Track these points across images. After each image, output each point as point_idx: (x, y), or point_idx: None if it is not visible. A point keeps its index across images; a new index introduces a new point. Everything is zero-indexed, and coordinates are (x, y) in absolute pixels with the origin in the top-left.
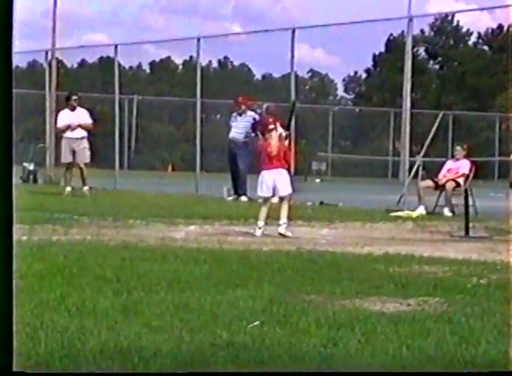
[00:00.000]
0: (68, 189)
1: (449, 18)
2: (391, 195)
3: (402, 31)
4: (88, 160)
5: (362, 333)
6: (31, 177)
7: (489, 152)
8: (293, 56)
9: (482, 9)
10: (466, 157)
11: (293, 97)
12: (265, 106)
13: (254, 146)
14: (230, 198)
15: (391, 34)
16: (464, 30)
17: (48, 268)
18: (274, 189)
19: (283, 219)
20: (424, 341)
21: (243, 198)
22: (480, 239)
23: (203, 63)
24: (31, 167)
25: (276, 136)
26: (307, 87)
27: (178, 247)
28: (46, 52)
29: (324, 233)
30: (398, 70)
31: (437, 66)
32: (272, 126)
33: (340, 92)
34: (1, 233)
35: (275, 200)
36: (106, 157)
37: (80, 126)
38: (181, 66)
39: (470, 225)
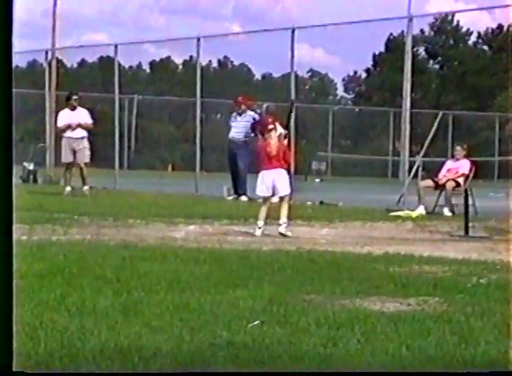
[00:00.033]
0: (68, 188)
1: (449, 18)
2: (390, 195)
3: (402, 31)
4: (88, 159)
5: (361, 333)
6: (31, 177)
7: (489, 152)
8: (293, 56)
9: (482, 9)
10: (466, 156)
11: (293, 97)
12: (264, 105)
13: (254, 146)
14: (230, 198)
15: (391, 34)
16: (464, 29)
17: (48, 268)
18: (273, 189)
19: (283, 219)
20: (424, 340)
21: (243, 198)
22: (480, 239)
23: (203, 63)
24: (31, 166)
25: (276, 136)
26: (307, 87)
27: (178, 246)
28: (46, 52)
29: (324, 232)
30: (397, 69)
31: (437, 66)
32: (271, 126)
33: (340, 91)
34: (1, 233)
35: (274, 199)
36: (106, 157)
37: (80, 126)
38: (181, 66)
39: (470, 224)
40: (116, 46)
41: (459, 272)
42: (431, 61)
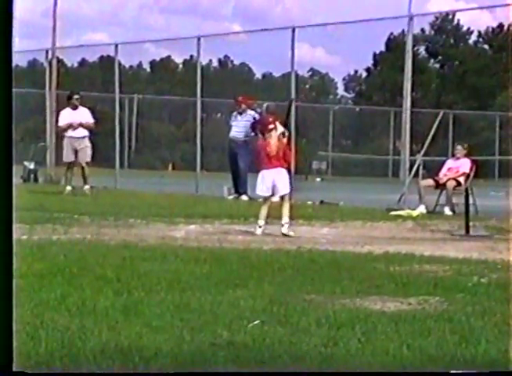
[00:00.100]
0: (68, 188)
1: (450, 17)
2: (391, 194)
3: (403, 30)
4: (89, 159)
5: (362, 332)
6: (32, 176)
7: (490, 151)
8: (293, 55)
9: (482, 8)
10: (467, 156)
11: (293, 96)
12: (265, 105)
13: (254, 145)
14: (230, 197)
15: (392, 33)
16: (464, 29)
17: (49, 267)
18: (273, 189)
19: (285, 219)
20: (425, 340)
21: (244, 197)
22: (480, 238)
23: (204, 63)
24: (32, 166)
25: (276, 136)
26: (307, 86)
27: (178, 246)
28: (46, 52)
29: (324, 232)
30: (398, 69)
31: (437, 65)
32: (271, 126)
33: (341, 91)
34: (1, 233)
35: (275, 199)
36: (106, 157)
37: (81, 125)
38: (181, 66)
39: (471, 224)
40: (116, 46)
41: (460, 272)
42: (432, 60)
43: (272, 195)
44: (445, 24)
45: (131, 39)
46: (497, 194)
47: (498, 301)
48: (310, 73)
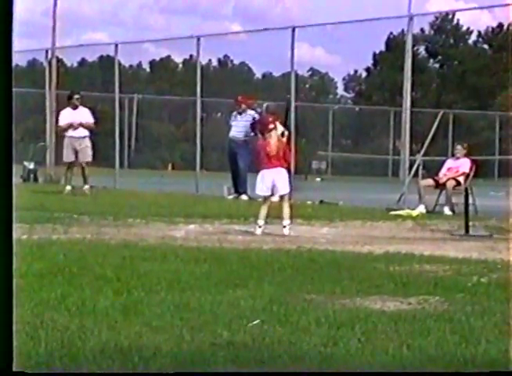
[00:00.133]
0: (68, 188)
1: (449, 17)
2: (391, 194)
3: (402, 30)
4: (90, 158)
5: (362, 332)
6: (32, 176)
7: (489, 151)
8: (293, 55)
9: (482, 8)
10: (467, 155)
11: (289, 95)
12: (265, 105)
13: (254, 145)
14: (230, 197)
15: (391, 33)
16: (464, 28)
17: (49, 267)
18: (273, 188)
19: (287, 221)
20: (425, 340)
21: (244, 197)
22: (480, 238)
23: (204, 62)
24: (31, 166)
25: (276, 136)
26: (307, 86)
27: (178, 246)
28: (46, 51)
29: (324, 231)
30: (398, 68)
31: (437, 65)
32: (272, 126)
33: (341, 90)
34: (1, 233)
35: (275, 198)
36: (106, 156)
37: (82, 125)
38: (181, 65)
39: (471, 223)
40: (116, 45)
41: (460, 272)
42: (432, 60)
43: (272, 195)
44: (444, 24)
45: (131, 39)
46: (497, 194)
47: (498, 301)
48: (310, 72)
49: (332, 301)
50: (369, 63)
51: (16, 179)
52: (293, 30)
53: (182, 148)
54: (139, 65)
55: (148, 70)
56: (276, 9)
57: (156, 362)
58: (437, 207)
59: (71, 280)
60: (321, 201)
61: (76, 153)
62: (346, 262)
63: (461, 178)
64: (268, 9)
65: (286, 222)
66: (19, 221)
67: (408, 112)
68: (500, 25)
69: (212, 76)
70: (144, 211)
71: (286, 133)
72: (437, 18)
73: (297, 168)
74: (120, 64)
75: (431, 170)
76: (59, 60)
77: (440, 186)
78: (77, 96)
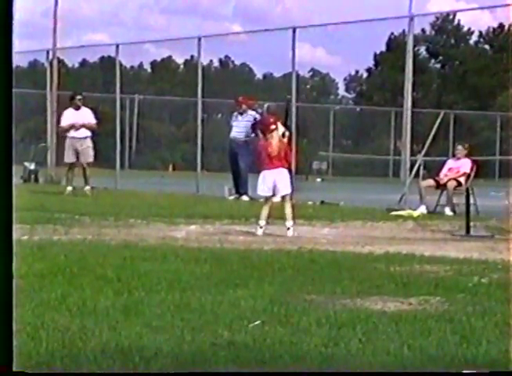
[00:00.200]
0: (69, 188)
1: (450, 17)
2: (391, 194)
3: (403, 30)
4: (91, 159)
5: (363, 332)
6: (32, 177)
7: (490, 151)
8: (294, 56)
9: (483, 8)
10: (468, 156)
11: (294, 97)
12: (265, 105)
13: (255, 146)
14: (231, 197)
15: (392, 34)
16: (465, 29)
17: (49, 267)
18: (274, 189)
19: (290, 222)
20: (425, 340)
21: (244, 197)
22: (481, 238)
23: (205, 63)
24: (32, 166)
25: (277, 136)
26: (308, 86)
27: (178, 246)
28: (47, 52)
29: (325, 232)
30: (399, 69)
31: (438, 66)
32: (273, 126)
33: (341, 91)
34: (2, 233)
35: (276, 199)
36: (107, 157)
37: (84, 126)
38: (182, 66)
39: (471, 224)
40: (117, 46)
41: (461, 272)
42: (432, 60)
43: (273, 195)
44: (445, 24)
45: (132, 39)
46: (497, 194)
47: (498, 302)
48: (311, 73)
49: (333, 302)
50: (370, 63)
51: (16, 180)
52: (294, 31)
53: (183, 148)
54: (140, 66)
55: (149, 70)
56: (277, 9)
57: (157, 362)
58: (438, 207)
59: (72, 281)
60: (322, 202)
61: (77, 153)
62: (347, 263)
63: (462, 179)
64: (269, 9)
65: (289, 223)
66: (20, 221)
67: (409, 112)
68: (501, 25)
69: (213, 76)
70: (145, 211)
71: (287, 134)
72: (438, 18)
73: (298, 168)
74: (121, 65)
75: (432, 170)
76: (60, 61)
77: (441, 186)
78: (79, 97)
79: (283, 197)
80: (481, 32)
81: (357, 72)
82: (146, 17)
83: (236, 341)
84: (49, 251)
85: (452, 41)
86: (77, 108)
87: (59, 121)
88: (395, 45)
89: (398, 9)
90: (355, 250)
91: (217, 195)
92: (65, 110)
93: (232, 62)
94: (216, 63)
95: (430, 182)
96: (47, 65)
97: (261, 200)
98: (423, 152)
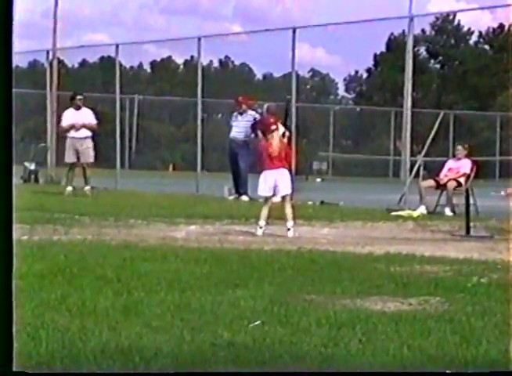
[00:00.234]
0: (69, 188)
1: (450, 17)
2: (391, 194)
3: (403, 31)
4: (91, 159)
5: (363, 332)
6: (32, 177)
7: (490, 151)
8: (293, 56)
9: (483, 9)
10: (468, 156)
11: (289, 96)
12: (265, 106)
13: (255, 146)
14: (231, 198)
15: (392, 34)
16: (465, 29)
17: (49, 268)
18: (275, 189)
19: (290, 222)
20: (425, 340)
21: (244, 198)
22: (481, 238)
23: (204, 63)
24: (32, 166)
25: (278, 136)
26: (308, 86)
27: (178, 246)
28: (47, 52)
29: (325, 232)
30: (398, 69)
31: (438, 66)
32: (273, 127)
33: (341, 91)
34: (2, 233)
35: (276, 199)
36: (107, 157)
37: (84, 126)
38: (182, 66)
39: (471, 224)
40: (117, 46)
41: (461, 272)
42: (432, 61)
43: (274, 195)
44: (445, 25)
45: (132, 40)
46: (497, 195)
47: (498, 302)
48: (311, 73)
49: (332, 302)
50: (370, 63)
51: (16, 180)
52: (294, 31)
53: (183, 149)
54: (140, 66)
55: (149, 70)
56: (277, 9)
57: (157, 362)
58: (438, 207)
59: (72, 281)
60: (322, 202)
61: (78, 154)
62: (346, 263)
63: (462, 179)
64: (269, 9)
65: (290, 223)
66: (20, 221)
67: (409, 112)
68: (501, 26)
69: (213, 77)
70: (145, 211)
71: (287, 134)
72: (438, 18)
73: (298, 168)
74: (120, 65)
75: (432, 171)
76: (59, 61)
77: (441, 186)
78: (79, 97)
79: (283, 198)
80: (481, 32)
81: (357, 72)
82: (146, 17)
83: (235, 342)
84: (49, 251)
85: (452, 41)
86: (78, 108)
87: (59, 121)
88: (395, 45)
89: (398, 9)
90: (355, 250)
91: (217, 195)
92: (65, 110)
93: (232, 62)
94: (216, 63)
95: (430, 182)
96: (47, 65)
97: (261, 200)
98: (423, 152)
